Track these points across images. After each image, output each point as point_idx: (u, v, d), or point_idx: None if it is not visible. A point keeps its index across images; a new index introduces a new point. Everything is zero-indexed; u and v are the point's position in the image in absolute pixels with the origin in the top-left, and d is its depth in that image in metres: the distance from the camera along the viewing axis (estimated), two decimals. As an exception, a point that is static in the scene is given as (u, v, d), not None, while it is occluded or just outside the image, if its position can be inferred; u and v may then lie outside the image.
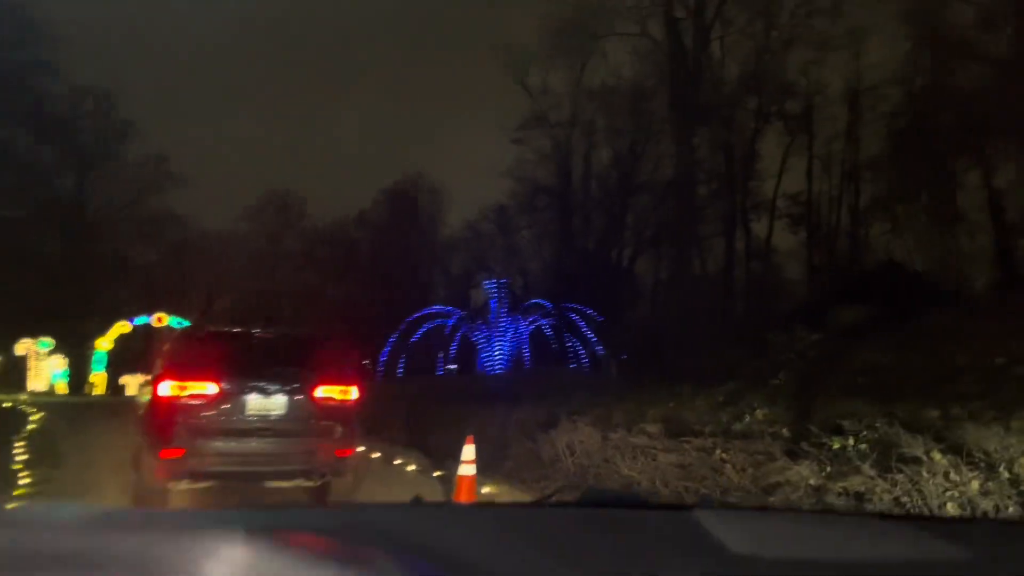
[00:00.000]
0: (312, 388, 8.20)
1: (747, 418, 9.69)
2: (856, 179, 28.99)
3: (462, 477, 8.49)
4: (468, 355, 33.16)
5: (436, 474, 11.49)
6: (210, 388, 7.80)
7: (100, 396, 39.95)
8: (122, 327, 43.36)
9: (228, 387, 7.87)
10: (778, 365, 10.33)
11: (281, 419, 8.00)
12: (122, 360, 42.48)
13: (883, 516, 3.10)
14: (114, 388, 42.17)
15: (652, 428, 8.84)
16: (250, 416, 7.89)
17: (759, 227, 30.05)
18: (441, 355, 56.23)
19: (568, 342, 28.04)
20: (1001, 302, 14.52)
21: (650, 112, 35.22)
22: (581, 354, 27.13)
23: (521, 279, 48.42)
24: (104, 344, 43.01)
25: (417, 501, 1.96)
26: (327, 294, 53.04)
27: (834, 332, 10.06)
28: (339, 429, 8.27)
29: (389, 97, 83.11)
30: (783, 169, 29.57)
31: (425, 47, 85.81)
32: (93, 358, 43.01)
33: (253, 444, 7.86)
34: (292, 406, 8.05)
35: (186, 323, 40.49)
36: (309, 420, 8.15)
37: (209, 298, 55.29)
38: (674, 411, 11.57)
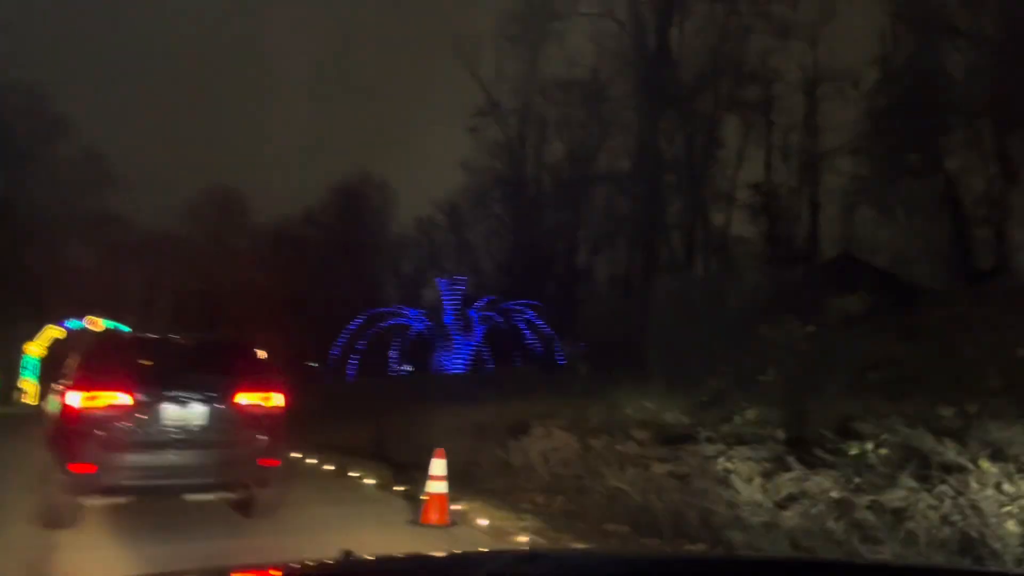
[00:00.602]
0: (233, 396, 7.88)
1: (737, 419, 8.90)
2: (816, 169, 28.66)
3: (432, 495, 7.68)
4: (423, 355, 32.09)
5: (397, 488, 10.49)
6: (123, 398, 7.38)
7: (29, 405, 37.88)
8: (54, 331, 41.33)
9: (143, 397, 7.47)
10: (765, 360, 9.54)
11: (201, 429, 7.64)
12: (55, 367, 40.41)
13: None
14: (46, 396, 40.04)
15: (640, 434, 7.96)
16: (167, 427, 7.52)
17: (717, 218, 29.64)
18: (394, 355, 55.05)
19: (528, 340, 27.23)
20: (988, 292, 13.97)
21: (610, 100, 34.55)
22: (540, 352, 26.35)
23: (474, 277, 47.43)
24: (35, 350, 40.92)
25: (348, 555, 1.72)
26: (274, 294, 51.30)
27: (827, 323, 9.29)
28: (263, 438, 7.89)
29: (337, 92, 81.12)
30: (742, 159, 29.12)
31: (375, 40, 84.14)
32: (22, 364, 40.92)
33: (171, 456, 7.49)
34: (212, 415, 7.70)
35: (123, 327, 39.04)
36: (230, 429, 7.80)
37: (149, 300, 53.28)
38: (653, 413, 10.78)
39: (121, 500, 7.62)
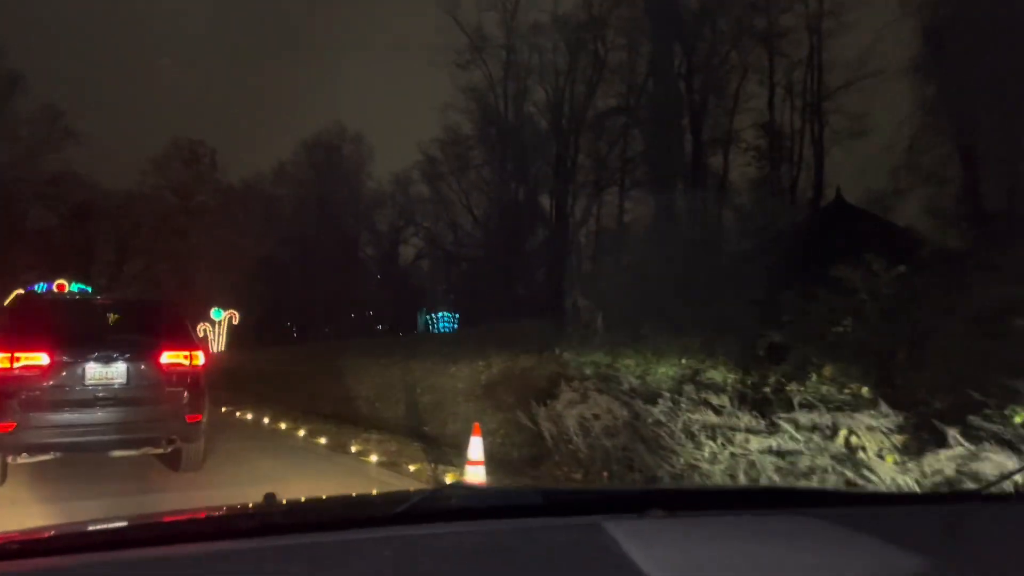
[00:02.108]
0: (156, 354, 8.14)
1: (813, 377, 7.49)
2: (819, 111, 27.16)
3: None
4: (408, 314, 30.59)
5: (411, 467, 9.00)
6: (44, 359, 7.63)
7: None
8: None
9: (64, 357, 7.74)
10: (838, 310, 8.12)
11: (124, 387, 7.92)
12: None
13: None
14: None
15: (718, 399, 6.50)
16: (90, 385, 7.79)
17: (716, 161, 28.04)
18: (369, 313, 53.47)
19: (521, 294, 25.78)
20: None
21: (599, 41, 32.65)
22: (536, 306, 24.92)
23: (452, 234, 45.70)
24: (-2, 315, 38.94)
25: (271, 497, 1.79)
26: (246, 254, 49.45)
27: (921, 264, 7.87)
28: (186, 394, 8.22)
29: (308, 41, 78.31)
30: (738, 100, 27.40)
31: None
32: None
33: (95, 414, 7.76)
34: (135, 373, 8.00)
35: (89, 289, 37.34)
36: (154, 387, 8.10)
37: (118, 261, 51.30)
38: (692, 370, 9.36)
39: (46, 457, 7.79)
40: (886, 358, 7.19)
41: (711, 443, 5.97)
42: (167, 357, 8.18)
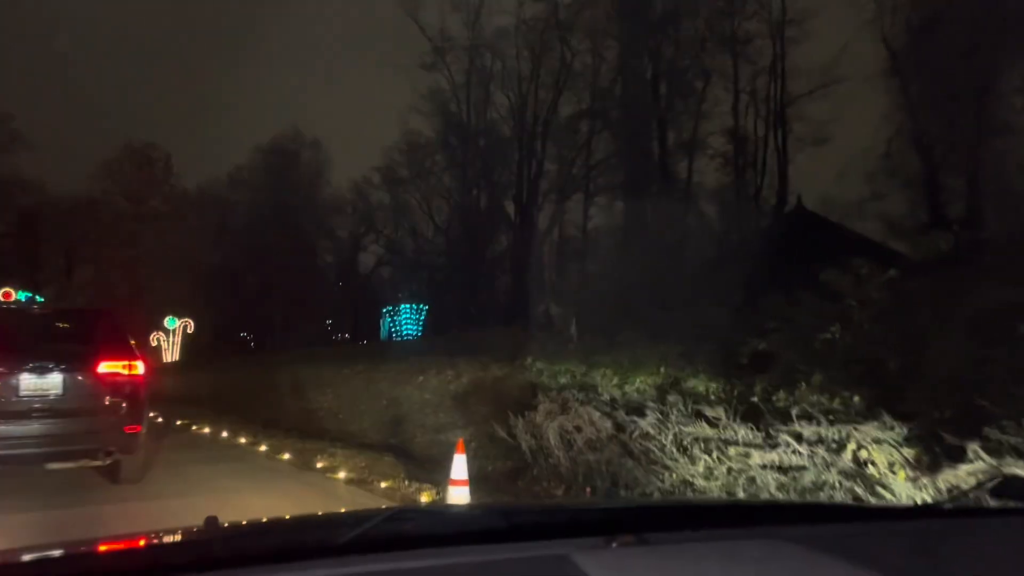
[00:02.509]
0: (93, 365, 8.01)
1: (803, 386, 7.21)
2: (783, 116, 27.19)
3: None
4: (368, 322, 30.01)
5: (381, 484, 8.56)
6: None
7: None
8: (-36, 305, 37.91)
9: None
10: (824, 316, 7.86)
11: (60, 398, 7.77)
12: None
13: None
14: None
15: (712, 410, 6.17)
16: (25, 396, 7.65)
17: (682, 167, 27.88)
18: (329, 322, 52.55)
19: (484, 300, 25.37)
20: None
21: (564, 45, 32.32)
22: (501, 314, 24.55)
23: (412, 241, 45.15)
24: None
25: (212, 520, 1.69)
26: (200, 261, 48.38)
27: (910, 269, 7.65)
28: (125, 405, 8.04)
29: (265, 45, 77.25)
30: (702, 105, 27.32)
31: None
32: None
33: (30, 426, 7.59)
34: (71, 384, 7.85)
35: (38, 298, 36.19)
36: (91, 398, 7.93)
37: (67, 269, 49.92)
38: (674, 381, 9.05)
39: None
40: (878, 366, 6.94)
41: (706, 457, 5.64)
42: (104, 367, 8.03)
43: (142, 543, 1.68)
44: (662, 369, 9.82)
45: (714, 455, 5.63)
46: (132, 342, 8.89)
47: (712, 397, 7.82)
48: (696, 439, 5.93)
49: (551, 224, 33.08)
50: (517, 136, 36.75)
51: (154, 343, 44.29)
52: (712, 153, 27.96)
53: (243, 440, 11.20)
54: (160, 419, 17.99)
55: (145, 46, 78.24)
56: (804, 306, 8.30)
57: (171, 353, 42.41)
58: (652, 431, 6.32)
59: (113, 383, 8.03)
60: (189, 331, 42.76)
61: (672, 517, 2.03)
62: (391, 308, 27.25)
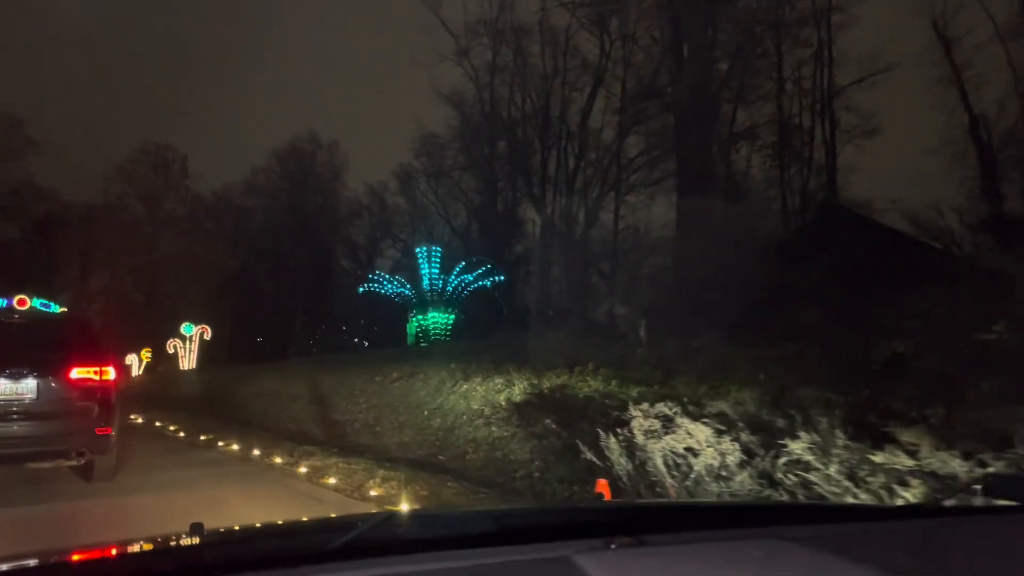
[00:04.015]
0: (66, 370, 8.48)
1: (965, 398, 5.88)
2: (830, 106, 25.78)
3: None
4: (387, 328, 28.76)
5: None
6: None
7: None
8: (-21, 312, 36.99)
9: None
10: (983, 312, 6.55)
11: (34, 402, 8.24)
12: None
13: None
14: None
15: (908, 434, 4.81)
16: (2, 400, 8.08)
17: (737, 160, 26.39)
18: (343, 328, 51.32)
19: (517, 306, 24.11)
20: None
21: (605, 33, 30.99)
22: (541, 317, 23.26)
23: (428, 243, 44.06)
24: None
25: (197, 527, 1.68)
26: (216, 267, 47.47)
27: None
28: (96, 408, 8.51)
29: (279, 46, 76.21)
30: (745, 95, 25.85)
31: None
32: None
33: (9, 428, 8.03)
34: (44, 389, 8.32)
35: (53, 305, 35.39)
36: (65, 401, 8.40)
37: (83, 275, 49.08)
38: (778, 388, 7.72)
39: None
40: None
41: (907, 495, 4.32)
42: (77, 373, 8.50)
43: (127, 550, 1.63)
44: (761, 377, 8.49)
45: (915, 491, 4.29)
46: (104, 348, 9.44)
47: (837, 412, 6.50)
48: (877, 469, 4.59)
49: (589, 222, 31.76)
50: (539, 133, 35.54)
51: (171, 350, 43.23)
52: (760, 144, 26.61)
53: (278, 460, 9.82)
54: (140, 420, 16.83)
55: (157, 50, 77.56)
56: (951, 301, 7.00)
57: (188, 360, 41.29)
58: (810, 457, 4.98)
59: (84, 388, 8.51)
60: (206, 337, 41.62)
61: (672, 519, 1.98)
62: (417, 312, 25.90)
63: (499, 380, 12.67)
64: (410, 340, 26.55)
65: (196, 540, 1.63)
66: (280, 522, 2.02)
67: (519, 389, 11.96)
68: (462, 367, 14.51)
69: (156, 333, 44.59)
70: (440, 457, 10.86)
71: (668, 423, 6.48)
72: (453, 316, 25.10)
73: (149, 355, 46.20)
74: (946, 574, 1.50)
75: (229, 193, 50.88)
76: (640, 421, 6.66)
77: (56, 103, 65.11)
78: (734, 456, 5.59)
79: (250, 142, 74.12)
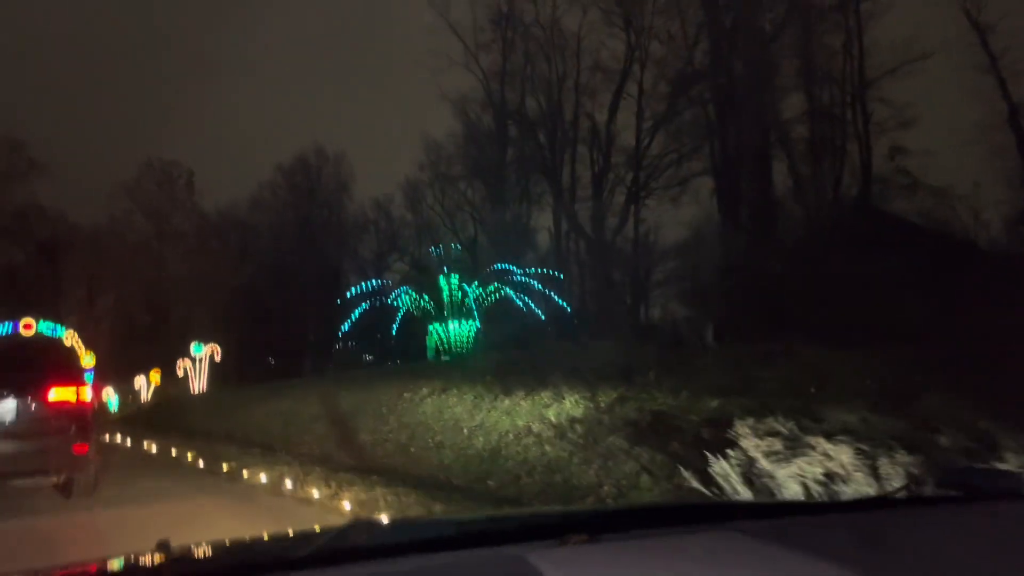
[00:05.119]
0: (44, 392, 8.80)
1: None
2: (863, 97, 24.63)
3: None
4: (412, 340, 27.64)
5: None
6: None
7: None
8: (-14, 336, 35.99)
9: None
10: None
11: (13, 423, 8.57)
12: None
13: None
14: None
15: None
16: None
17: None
18: (353, 343, 50.32)
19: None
20: None
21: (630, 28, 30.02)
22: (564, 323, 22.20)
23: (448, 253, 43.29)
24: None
25: (164, 544, 1.62)
26: (223, 285, 46.55)
27: None
28: (73, 428, 8.79)
29: (294, 68, 75.45)
30: (780, 88, 24.72)
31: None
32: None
33: None
34: (23, 410, 8.67)
35: (60, 328, 34.52)
36: (42, 421, 8.69)
37: (89, 297, 48.15)
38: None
39: None
40: None
41: None
42: (55, 394, 8.78)
43: (91, 570, 1.65)
44: (868, 383, 7.43)
45: None
46: (81, 370, 9.69)
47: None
48: None
49: (620, 224, 30.64)
50: (560, 134, 34.63)
51: (180, 372, 42.13)
52: (794, 137, 25.43)
53: (316, 492, 8.61)
54: (154, 449, 15.73)
55: (161, 66, 76.87)
56: None
57: (199, 382, 40.20)
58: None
59: (62, 408, 8.78)
60: (216, 358, 40.49)
61: (626, 519, 1.98)
62: (438, 324, 24.82)
63: (545, 394, 11.65)
64: (430, 354, 25.47)
65: (163, 557, 1.60)
66: (247, 538, 1.76)
67: (570, 403, 10.91)
68: (499, 380, 13.48)
69: (165, 354, 43.63)
70: (489, 482, 9.77)
71: (792, 443, 5.38)
72: (476, 326, 23.98)
73: (159, 377, 45.15)
74: (897, 564, 1.49)
75: (235, 209, 50.16)
76: (754, 440, 5.55)
77: (59, 124, 64.28)
78: (899, 483, 4.49)
79: (255, 158, 73.10)
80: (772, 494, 5.22)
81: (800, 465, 5.15)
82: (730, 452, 5.72)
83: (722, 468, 5.63)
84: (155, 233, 48.75)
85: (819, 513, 2.11)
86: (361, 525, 2.03)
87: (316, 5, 77.26)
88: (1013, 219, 23.80)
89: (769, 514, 2.01)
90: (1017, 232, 23.46)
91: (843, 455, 5.00)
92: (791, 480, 5.09)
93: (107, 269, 47.03)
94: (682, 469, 6.04)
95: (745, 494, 5.43)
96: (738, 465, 5.60)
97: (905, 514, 1.92)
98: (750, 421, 6.13)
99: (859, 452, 5.03)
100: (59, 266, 47.91)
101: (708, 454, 5.91)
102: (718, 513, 2.05)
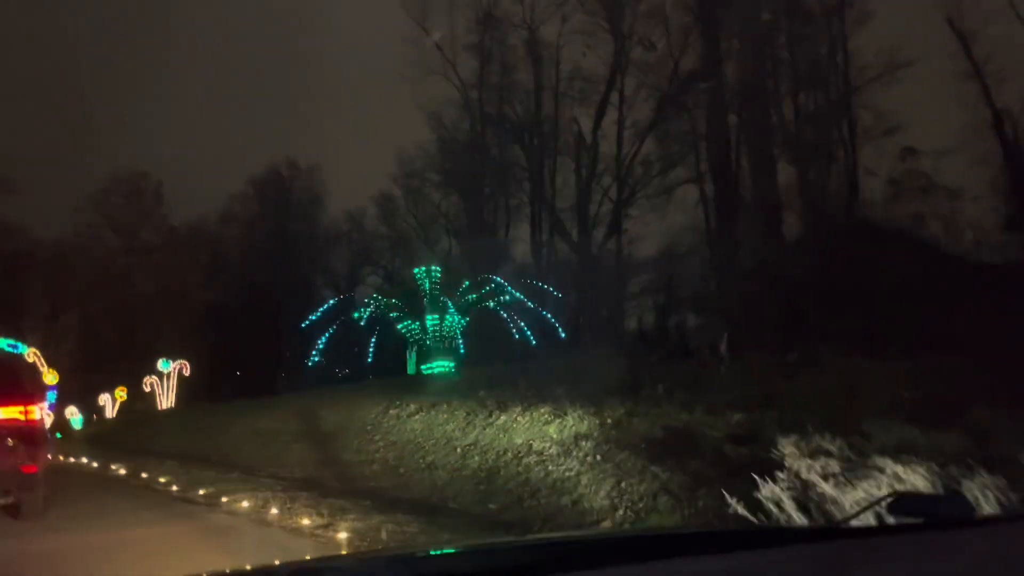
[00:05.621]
0: None
1: None
2: (848, 104, 24.39)
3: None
4: (387, 356, 26.90)
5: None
6: None
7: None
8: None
9: None
10: None
11: None
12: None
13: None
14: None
15: None
16: None
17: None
18: (315, 359, 49.49)
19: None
20: None
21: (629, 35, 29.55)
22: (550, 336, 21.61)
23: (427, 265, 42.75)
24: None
25: None
26: (194, 298, 45.54)
27: None
28: (22, 447, 8.52)
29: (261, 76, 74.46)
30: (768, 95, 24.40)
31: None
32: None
33: None
34: None
35: (22, 346, 33.47)
36: None
37: (52, 314, 46.82)
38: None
39: None
40: None
41: None
42: (1, 413, 8.51)
43: None
44: (906, 395, 6.89)
45: None
46: (30, 388, 9.47)
47: None
48: None
49: (609, 232, 30.11)
50: (545, 144, 34.23)
51: (147, 388, 41.07)
52: (792, 140, 25.05)
53: (306, 522, 7.80)
54: (123, 471, 14.84)
55: (126, 76, 75.53)
56: None
57: (167, 398, 39.16)
58: None
59: (10, 427, 8.48)
60: (185, 374, 39.50)
61: (572, 556, 1.87)
62: (414, 339, 24.13)
63: (545, 409, 11.03)
64: (410, 369, 24.75)
65: None
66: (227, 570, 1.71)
67: (574, 419, 10.28)
68: (493, 395, 12.84)
69: (131, 371, 42.52)
70: (491, 506, 9.11)
71: (850, 463, 4.81)
72: (460, 339, 23.31)
73: (124, 394, 43.92)
74: None
75: (205, 223, 49.15)
76: (806, 461, 4.97)
77: (22, 137, 62.78)
78: (990, 510, 3.93)
79: (226, 172, 71.96)
80: (822, 512, 4.67)
81: (866, 489, 4.59)
82: (779, 474, 5.15)
83: (772, 492, 5.05)
84: (122, 247, 47.57)
85: (775, 543, 2.01)
86: (312, 564, 1.98)
87: (287, 17, 76.40)
88: (1000, 226, 23.66)
89: (718, 544, 1.93)
90: (1005, 238, 23.31)
91: (916, 477, 4.45)
92: (859, 507, 4.54)
93: (72, 285, 45.85)
94: (726, 495, 5.44)
95: (800, 522, 4.86)
96: (788, 488, 5.03)
97: (863, 543, 1.88)
98: (793, 438, 5.57)
99: (933, 473, 4.48)
100: (21, 282, 46.57)
101: (756, 476, 5.32)
102: (660, 544, 2.00)
